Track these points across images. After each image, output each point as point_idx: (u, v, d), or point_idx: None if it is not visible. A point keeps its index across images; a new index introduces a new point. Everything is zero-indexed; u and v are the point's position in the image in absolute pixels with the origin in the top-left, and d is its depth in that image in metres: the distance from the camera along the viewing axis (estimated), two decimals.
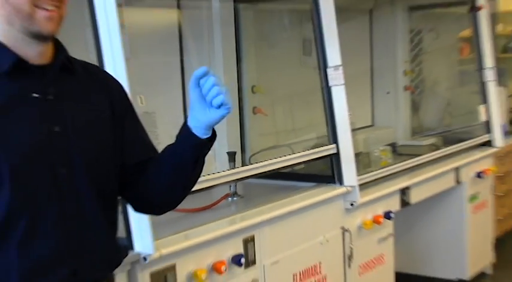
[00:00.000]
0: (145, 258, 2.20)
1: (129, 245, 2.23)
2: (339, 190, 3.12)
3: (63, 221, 1.54)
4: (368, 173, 3.42)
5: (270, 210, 2.76)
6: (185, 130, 1.65)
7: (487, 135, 4.56)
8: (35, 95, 1.51)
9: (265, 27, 3.82)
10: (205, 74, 1.56)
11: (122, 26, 2.19)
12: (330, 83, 3.14)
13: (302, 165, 3.13)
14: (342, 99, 3.15)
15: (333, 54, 3.14)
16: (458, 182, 4.17)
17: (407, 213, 3.70)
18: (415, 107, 4.92)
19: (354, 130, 3.27)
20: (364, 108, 4.69)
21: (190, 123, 1.64)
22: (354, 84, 3.35)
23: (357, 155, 3.36)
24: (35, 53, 1.53)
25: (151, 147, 1.79)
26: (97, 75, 1.75)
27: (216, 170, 2.94)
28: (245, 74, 3.62)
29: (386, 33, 4.76)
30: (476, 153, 4.40)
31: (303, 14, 3.38)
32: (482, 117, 4.56)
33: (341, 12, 3.24)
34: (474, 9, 4.52)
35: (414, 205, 3.73)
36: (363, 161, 3.70)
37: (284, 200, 2.90)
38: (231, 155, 3.07)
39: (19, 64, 1.50)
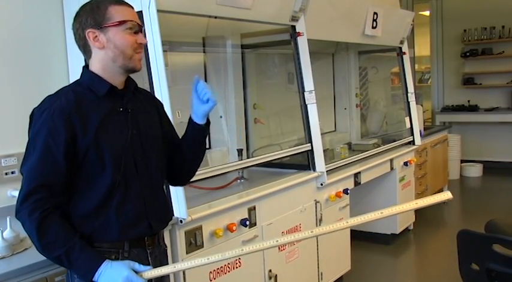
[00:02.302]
0: (181, 221, 2.16)
1: (171, 212, 2.17)
2: (312, 175, 3.07)
3: (142, 192, 1.60)
4: (332, 163, 3.38)
5: (266, 188, 2.71)
6: (189, 121, 1.73)
7: (410, 137, 4.55)
8: (120, 109, 1.57)
9: (263, 64, 3.79)
10: (198, 81, 1.66)
11: (166, 64, 2.15)
12: (306, 102, 3.10)
13: (288, 158, 3.08)
14: (314, 113, 3.11)
15: (308, 83, 3.10)
16: (392, 168, 4.15)
17: (359, 190, 3.66)
18: (363, 118, 4.90)
19: (322, 134, 3.23)
20: (329, 119, 4.66)
21: (191, 116, 1.72)
22: (322, 103, 3.32)
23: (325, 151, 3.32)
24: (120, 82, 1.59)
25: (178, 136, 1.81)
26: (147, 95, 1.78)
27: (229, 161, 2.93)
28: (249, 96, 3.59)
29: (343, 69, 4.74)
30: (403, 149, 4.38)
31: (288, 56, 3.35)
32: (407, 125, 4.56)
33: (313, 54, 3.21)
34: (400, 54, 4.56)
35: (363, 184, 3.69)
36: (328, 154, 3.67)
37: (275, 182, 2.84)
38: (239, 151, 3.04)
39: (111, 90, 1.55)
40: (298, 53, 3.09)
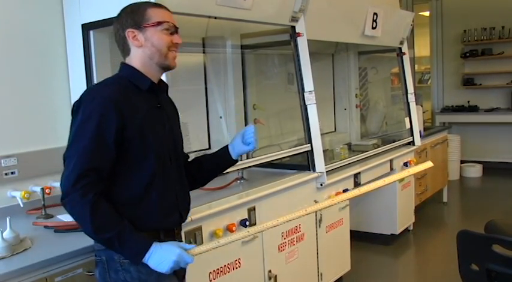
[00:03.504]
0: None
1: None
2: (312, 175, 3.07)
3: (174, 183, 1.70)
4: (332, 163, 3.37)
5: (265, 189, 2.71)
6: (225, 151, 1.88)
7: (410, 138, 4.54)
8: (158, 105, 1.69)
9: (262, 65, 3.79)
10: (250, 127, 1.85)
11: None
12: (306, 103, 3.10)
13: (287, 158, 3.07)
14: (314, 114, 3.11)
15: (308, 83, 3.10)
16: (392, 169, 4.14)
17: None
18: (363, 119, 4.90)
19: (322, 134, 3.22)
20: (329, 120, 4.66)
21: (230, 149, 1.87)
22: (322, 104, 3.32)
23: (325, 151, 3.31)
24: (156, 79, 1.69)
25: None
26: (171, 100, 1.86)
27: None
28: (249, 97, 3.59)
29: (343, 69, 4.74)
30: (403, 149, 4.37)
31: (288, 56, 3.35)
32: (407, 126, 4.55)
33: (313, 55, 3.21)
34: (400, 54, 4.55)
35: (363, 185, 3.67)
36: (328, 155, 3.67)
37: (275, 182, 2.84)
38: None
39: (152, 85, 1.66)
40: (298, 54, 3.09)
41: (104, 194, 1.52)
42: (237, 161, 1.90)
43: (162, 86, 1.74)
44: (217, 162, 1.92)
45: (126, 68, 1.66)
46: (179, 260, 1.52)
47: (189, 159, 1.92)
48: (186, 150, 1.90)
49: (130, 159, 1.57)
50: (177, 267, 1.54)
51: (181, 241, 1.77)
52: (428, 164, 1.74)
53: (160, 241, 1.59)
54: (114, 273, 1.59)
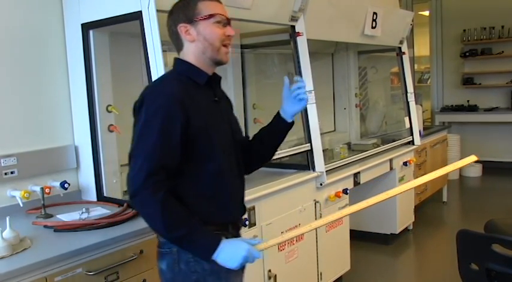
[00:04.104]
0: None
1: None
2: (312, 174, 3.07)
3: (237, 174, 1.72)
4: (332, 163, 3.38)
5: (265, 188, 2.70)
6: (278, 117, 1.81)
7: (410, 137, 4.54)
8: (215, 98, 1.69)
9: (262, 64, 3.79)
10: (299, 80, 1.78)
11: (166, 64, 2.14)
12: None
13: (287, 158, 3.07)
14: (314, 113, 3.11)
15: (308, 83, 3.09)
16: (391, 168, 4.14)
17: (358, 190, 3.66)
18: (362, 118, 4.90)
19: (322, 134, 3.22)
20: (328, 119, 4.66)
21: (281, 112, 1.80)
22: (322, 103, 3.31)
23: (324, 151, 3.32)
24: (211, 72, 1.68)
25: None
26: (223, 91, 1.82)
27: None
28: (248, 96, 3.59)
29: (342, 69, 4.74)
30: (403, 149, 4.37)
31: (287, 56, 3.34)
32: (407, 125, 4.55)
33: (313, 54, 3.21)
34: (400, 54, 4.55)
35: (363, 184, 3.69)
36: (328, 154, 3.67)
37: (275, 182, 2.83)
38: None
39: (209, 79, 1.65)
40: (297, 53, 3.08)
41: (172, 191, 1.51)
42: (293, 123, 1.81)
43: (217, 79, 1.72)
44: (274, 131, 1.83)
45: (181, 63, 1.65)
46: (248, 256, 1.52)
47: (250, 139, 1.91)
48: None
49: (196, 155, 1.56)
50: (246, 262, 1.53)
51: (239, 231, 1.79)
52: (472, 158, 1.67)
53: (228, 234, 1.62)
54: (184, 265, 1.58)
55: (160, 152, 1.48)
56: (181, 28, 1.61)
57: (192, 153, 1.55)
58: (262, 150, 1.86)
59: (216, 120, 1.64)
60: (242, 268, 1.65)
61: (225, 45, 1.63)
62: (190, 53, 1.63)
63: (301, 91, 1.75)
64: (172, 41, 1.68)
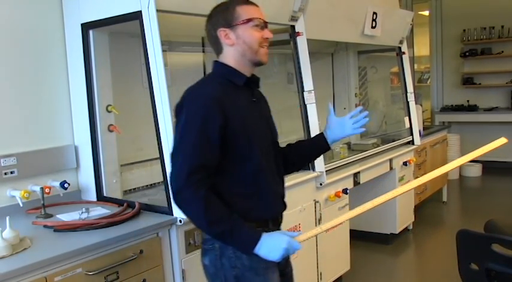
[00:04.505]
0: (181, 221, 2.15)
1: (170, 212, 2.17)
2: (312, 174, 3.06)
3: (276, 172, 1.78)
4: (332, 162, 3.38)
5: None
6: (322, 138, 1.91)
7: (409, 137, 4.55)
8: (254, 99, 1.75)
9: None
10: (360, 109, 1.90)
11: (166, 64, 2.14)
12: (306, 102, 3.10)
13: None
14: (314, 113, 3.11)
15: (308, 83, 3.10)
16: (391, 168, 4.15)
17: (358, 190, 3.67)
18: None
19: None
20: None
21: (328, 135, 1.90)
22: (321, 103, 3.30)
23: None
24: (249, 73, 1.74)
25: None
26: (259, 91, 1.87)
27: None
28: None
29: (342, 69, 4.74)
30: (403, 149, 4.37)
31: (287, 56, 3.35)
32: (406, 125, 4.56)
33: (312, 54, 3.21)
34: (400, 53, 4.55)
35: (363, 184, 3.69)
36: (328, 154, 3.65)
37: None
38: None
39: (247, 81, 1.71)
40: (297, 53, 3.08)
41: (212, 189, 1.57)
42: (329, 148, 1.94)
43: (255, 80, 1.78)
44: (313, 148, 1.95)
45: (221, 66, 1.71)
46: (289, 247, 1.57)
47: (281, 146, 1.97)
48: None
49: (236, 154, 1.62)
50: (287, 254, 1.59)
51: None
52: (503, 141, 1.62)
53: (269, 230, 1.65)
54: (226, 260, 1.65)
55: (200, 151, 1.55)
56: (221, 32, 1.67)
57: (232, 153, 1.61)
58: (297, 160, 1.95)
59: (255, 121, 1.70)
60: (279, 264, 1.70)
61: (262, 47, 1.69)
62: (230, 56, 1.69)
63: (365, 120, 1.88)
64: (211, 44, 1.74)
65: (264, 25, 1.70)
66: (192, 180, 1.52)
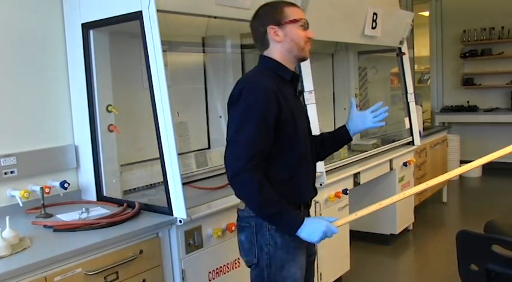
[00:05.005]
0: (180, 221, 2.15)
1: (170, 212, 2.17)
2: None
3: (311, 160, 1.93)
4: (332, 163, 3.38)
5: None
6: (345, 130, 2.07)
7: (409, 137, 4.55)
8: (297, 93, 1.93)
9: None
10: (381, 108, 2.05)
11: (166, 64, 2.14)
12: (306, 102, 3.09)
13: None
14: (314, 113, 3.10)
15: (308, 83, 3.10)
16: (391, 168, 4.15)
17: (358, 190, 3.66)
18: None
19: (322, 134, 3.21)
20: (328, 119, 4.65)
21: (350, 128, 2.06)
22: (321, 103, 3.31)
23: None
24: (293, 68, 1.89)
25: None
26: None
27: None
28: None
29: (342, 69, 4.74)
30: (403, 149, 4.37)
31: None
32: (407, 125, 4.57)
33: (313, 55, 3.19)
34: (400, 54, 4.55)
35: (363, 185, 3.69)
36: None
37: None
38: None
39: (293, 76, 1.88)
40: None
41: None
42: (351, 139, 2.09)
43: (297, 77, 1.93)
44: (336, 140, 2.10)
45: (268, 60, 1.85)
46: (327, 230, 1.73)
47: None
48: (186, 149, 1.91)
49: (284, 141, 1.76)
50: (325, 237, 1.74)
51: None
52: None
53: (301, 212, 1.85)
54: (261, 237, 1.80)
55: (260, 138, 1.69)
56: (270, 29, 1.81)
57: (280, 142, 1.75)
58: (321, 150, 2.07)
59: (298, 113, 1.84)
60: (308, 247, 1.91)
61: (307, 44, 1.85)
62: (277, 51, 1.84)
63: (385, 115, 2.02)
64: (257, 40, 1.88)
65: (307, 26, 1.84)
66: (251, 164, 1.66)
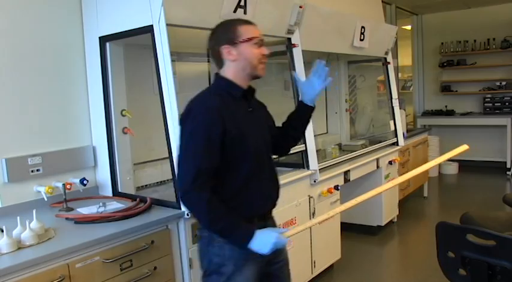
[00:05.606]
0: (187, 215, 2.15)
1: (178, 207, 2.17)
2: (306, 172, 3.06)
3: (269, 176, 1.78)
4: (324, 162, 3.37)
5: None
6: (300, 104, 1.90)
7: (394, 138, 4.54)
8: (250, 109, 1.75)
9: None
10: (320, 63, 1.83)
11: (174, 73, 2.15)
12: None
13: (284, 157, 3.06)
14: None
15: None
16: (378, 167, 4.14)
17: (348, 186, 3.66)
18: (352, 122, 4.90)
19: (315, 136, 3.21)
20: (321, 122, 4.66)
21: (305, 99, 1.88)
22: (315, 108, 3.31)
23: (318, 151, 3.31)
24: (246, 86, 1.74)
25: (275, 124, 1.95)
26: (255, 98, 1.86)
27: None
28: None
29: (334, 77, 4.71)
30: (388, 149, 4.36)
31: (284, 65, 3.34)
32: (392, 128, 4.55)
33: (307, 64, 3.19)
34: (385, 63, 4.55)
35: (352, 181, 3.68)
36: (321, 154, 3.67)
37: None
38: None
39: (244, 93, 1.72)
40: (293, 63, 3.08)
41: (212, 190, 1.60)
42: (314, 106, 1.89)
43: (251, 91, 1.78)
44: (301, 116, 1.92)
45: (221, 79, 1.72)
46: (277, 242, 1.61)
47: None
48: None
49: (231, 159, 1.63)
50: (276, 248, 1.62)
51: (274, 223, 1.86)
52: (464, 147, 1.72)
53: (255, 224, 1.68)
54: (212, 247, 1.70)
55: (203, 157, 1.57)
56: (224, 49, 1.68)
57: (227, 159, 1.62)
58: (293, 132, 1.94)
59: (251, 129, 1.70)
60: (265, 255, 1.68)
61: (261, 62, 1.71)
62: (231, 70, 1.70)
63: (325, 70, 1.82)
64: (214, 58, 1.74)
65: (262, 43, 1.71)
66: (197, 183, 1.55)
